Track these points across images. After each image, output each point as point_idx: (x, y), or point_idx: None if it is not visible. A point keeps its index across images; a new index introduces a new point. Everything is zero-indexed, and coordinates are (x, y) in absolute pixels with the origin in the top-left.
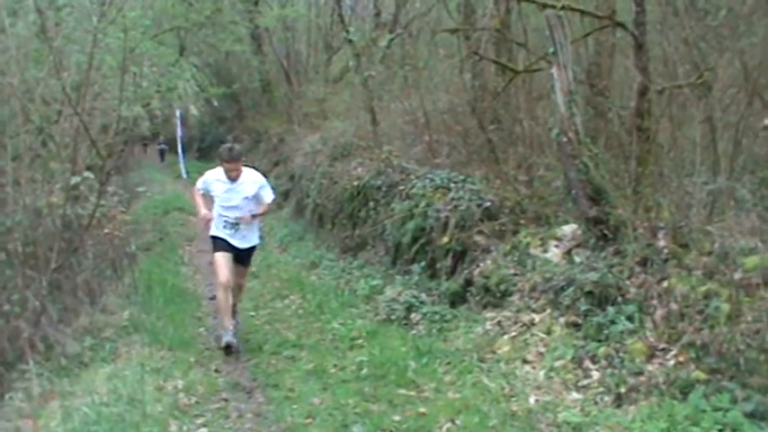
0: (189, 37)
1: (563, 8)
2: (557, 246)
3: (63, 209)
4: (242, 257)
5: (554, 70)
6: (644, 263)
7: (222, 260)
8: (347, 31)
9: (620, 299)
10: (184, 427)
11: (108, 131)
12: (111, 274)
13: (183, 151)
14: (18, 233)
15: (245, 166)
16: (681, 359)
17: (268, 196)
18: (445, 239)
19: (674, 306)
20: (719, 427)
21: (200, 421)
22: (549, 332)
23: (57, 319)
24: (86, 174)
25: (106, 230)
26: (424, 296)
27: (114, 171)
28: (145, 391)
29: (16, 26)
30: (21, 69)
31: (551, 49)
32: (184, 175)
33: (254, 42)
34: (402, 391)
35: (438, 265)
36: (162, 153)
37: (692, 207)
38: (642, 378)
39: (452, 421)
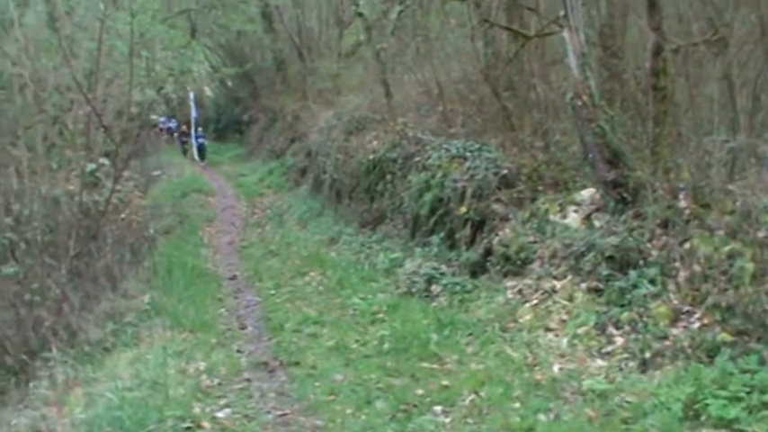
0: (200, 19)
1: None
2: (576, 211)
3: (80, 196)
4: None
5: (566, 33)
6: (665, 225)
7: None
8: (357, 5)
9: (641, 262)
10: (207, 409)
11: (122, 117)
12: (131, 258)
13: (196, 134)
14: (36, 222)
15: None
16: (706, 321)
17: None
18: (463, 209)
19: (697, 267)
20: (747, 389)
21: (223, 402)
22: (570, 299)
23: (78, 306)
24: (102, 160)
25: (123, 215)
26: (444, 267)
27: (131, 156)
28: (167, 375)
29: (26, 17)
30: (32, 60)
31: (562, 12)
32: (196, 158)
33: (264, 20)
34: (425, 365)
35: (457, 236)
36: (201, 149)
37: (713, 166)
38: (667, 342)
39: (476, 393)
